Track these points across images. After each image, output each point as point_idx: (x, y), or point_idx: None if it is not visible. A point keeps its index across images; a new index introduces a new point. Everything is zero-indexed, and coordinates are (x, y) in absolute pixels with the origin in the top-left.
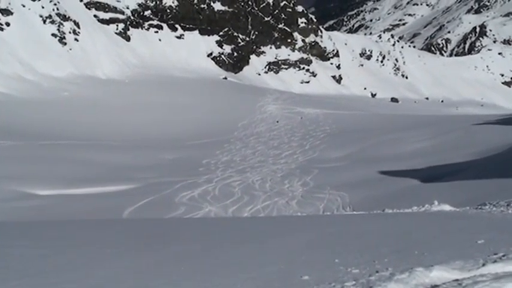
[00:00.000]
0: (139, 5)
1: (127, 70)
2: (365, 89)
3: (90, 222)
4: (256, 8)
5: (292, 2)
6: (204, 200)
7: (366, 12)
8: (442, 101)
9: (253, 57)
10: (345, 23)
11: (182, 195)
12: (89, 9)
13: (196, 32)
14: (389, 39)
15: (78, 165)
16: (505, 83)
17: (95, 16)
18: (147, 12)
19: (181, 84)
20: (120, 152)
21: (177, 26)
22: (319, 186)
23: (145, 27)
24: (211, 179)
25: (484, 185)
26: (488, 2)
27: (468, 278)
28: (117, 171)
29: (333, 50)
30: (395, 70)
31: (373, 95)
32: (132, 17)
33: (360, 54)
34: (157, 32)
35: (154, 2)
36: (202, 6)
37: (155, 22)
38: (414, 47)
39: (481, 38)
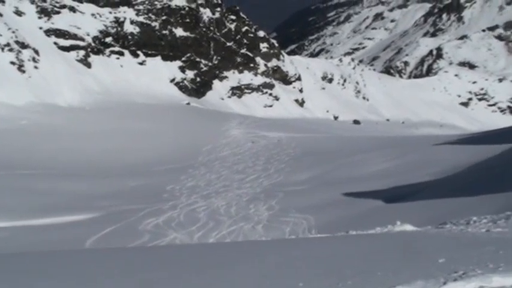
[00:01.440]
0: (100, 31)
1: (88, 97)
2: (327, 111)
3: (50, 254)
4: (218, 34)
5: (254, 27)
6: (169, 227)
7: (326, 36)
8: (402, 122)
9: (216, 82)
10: (306, 47)
11: (146, 223)
12: (49, 36)
13: (159, 58)
14: (349, 62)
15: (37, 195)
16: (462, 103)
17: (54, 43)
18: (108, 39)
19: (144, 110)
20: (81, 180)
21: (138, 52)
22: (285, 210)
23: (107, 54)
24: (176, 205)
25: (445, 204)
26: (444, 25)
27: None
28: (78, 200)
29: (295, 74)
30: (356, 93)
31: (336, 118)
32: (93, 44)
33: (322, 77)
34: (118, 58)
35: (115, 29)
36: (164, 32)
37: (117, 49)
38: (374, 70)
39: (437, 61)
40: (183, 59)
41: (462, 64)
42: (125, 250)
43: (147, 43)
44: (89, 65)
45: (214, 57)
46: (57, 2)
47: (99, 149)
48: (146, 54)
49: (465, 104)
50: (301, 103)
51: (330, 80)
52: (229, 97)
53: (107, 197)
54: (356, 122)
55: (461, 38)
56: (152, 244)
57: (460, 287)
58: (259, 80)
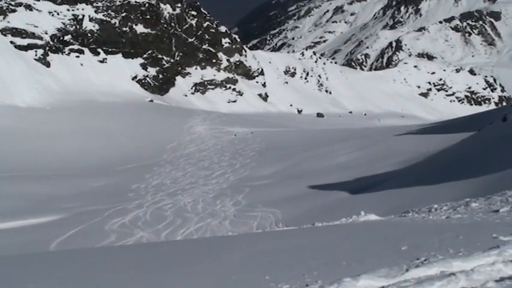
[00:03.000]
0: (58, 29)
1: (48, 97)
2: (291, 105)
3: (11, 258)
4: (180, 30)
5: (215, 22)
6: (136, 226)
7: (287, 30)
8: (365, 114)
9: (178, 78)
10: (268, 41)
11: (112, 223)
12: (5, 35)
13: (120, 55)
14: (311, 56)
15: None
16: (421, 94)
17: (11, 42)
18: (67, 37)
19: (106, 109)
20: (42, 182)
21: (99, 50)
22: (252, 205)
23: (66, 52)
24: (141, 203)
25: (408, 193)
26: (402, 18)
27: (393, 284)
28: (40, 203)
29: (258, 69)
30: (319, 86)
31: (299, 111)
32: (51, 42)
33: (284, 71)
34: (78, 56)
35: (74, 27)
36: (124, 29)
37: (76, 47)
38: (336, 63)
39: (397, 53)
40: (145, 56)
41: (421, 55)
42: (86, 251)
43: (107, 40)
44: (48, 64)
45: (176, 54)
46: (12, 0)
47: (61, 150)
48: (107, 52)
49: (425, 95)
50: (264, 97)
51: (293, 74)
52: (192, 93)
53: (71, 198)
54: (319, 115)
55: (420, 29)
56: (119, 244)
57: (422, 273)
58: (222, 75)
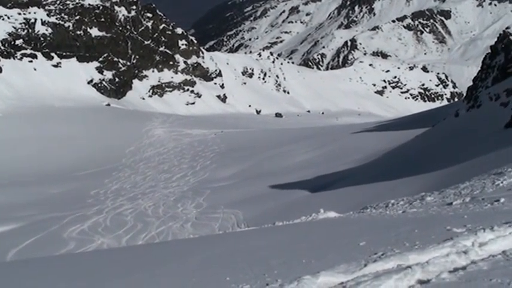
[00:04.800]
0: (9, 34)
1: (0, 103)
2: (250, 106)
3: None
4: (135, 32)
5: (171, 24)
6: (96, 232)
7: (244, 31)
8: (322, 113)
9: (135, 81)
10: (225, 42)
11: (71, 230)
12: None
13: (74, 59)
14: (268, 56)
15: None
16: (377, 92)
17: None
18: (19, 41)
19: (61, 114)
20: None
21: (52, 54)
22: (213, 206)
23: (18, 57)
24: (101, 209)
25: (366, 190)
26: (356, 17)
27: (352, 279)
28: None
29: (216, 70)
30: (277, 86)
31: (258, 112)
32: (2, 47)
33: (242, 72)
34: (31, 61)
35: (26, 31)
36: (78, 32)
37: (28, 51)
38: (293, 63)
39: (352, 52)
40: (100, 59)
41: (375, 54)
42: (43, 260)
43: (61, 44)
44: None
45: (133, 56)
46: None
47: (15, 157)
48: (61, 56)
49: (380, 92)
50: (223, 99)
51: (251, 75)
52: (150, 96)
53: (28, 207)
54: (278, 115)
55: (374, 28)
56: (79, 251)
57: (380, 267)
58: (179, 77)
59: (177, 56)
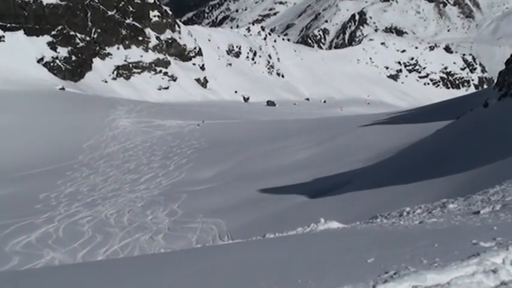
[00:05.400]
0: None
1: None
2: (236, 92)
3: None
4: (97, 0)
5: None
6: (45, 245)
7: (230, 1)
8: (324, 101)
9: (96, 60)
10: (206, 15)
11: (15, 242)
12: None
13: (21, 32)
14: (259, 32)
15: None
16: (390, 76)
17: None
18: None
19: (4, 100)
20: None
21: None
22: (190, 215)
23: None
24: (52, 217)
25: (375, 196)
26: None
27: None
28: None
29: (195, 48)
30: (269, 68)
31: (246, 99)
32: None
33: (227, 51)
34: None
35: None
36: (26, 0)
37: None
38: (289, 40)
39: (361, 27)
40: (53, 32)
41: (389, 30)
42: None
43: (5, 14)
44: None
45: (93, 30)
46: None
47: None
48: (4, 28)
49: (394, 77)
50: (203, 83)
51: (237, 54)
52: (114, 79)
53: None
54: (270, 103)
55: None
56: (24, 268)
57: None
58: (150, 56)
59: (148, 31)
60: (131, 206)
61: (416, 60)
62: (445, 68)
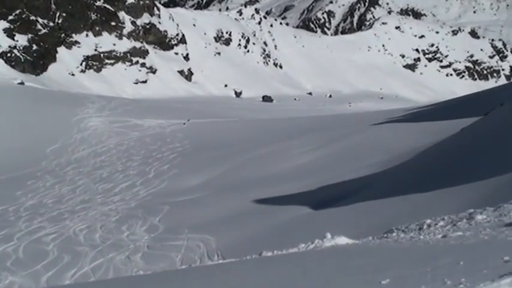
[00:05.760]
0: None
1: None
2: (226, 86)
3: None
4: None
5: None
6: (3, 268)
7: None
8: (329, 96)
9: (62, 50)
10: None
11: None
12: None
13: None
14: (253, 15)
15: None
16: (407, 66)
17: None
18: None
19: None
20: None
21: None
22: (173, 230)
23: None
24: (11, 234)
25: (391, 206)
26: None
27: None
28: None
29: (177, 35)
30: (264, 58)
31: (238, 94)
32: None
33: (215, 38)
34: None
35: None
36: None
37: None
38: (287, 24)
39: (372, 9)
40: (11, 17)
41: (404, 12)
42: None
43: None
44: None
45: (58, 14)
46: None
47: None
48: None
49: (411, 67)
50: (187, 76)
51: (227, 41)
52: (82, 71)
53: None
54: (266, 98)
55: None
56: None
57: None
58: (125, 44)
59: (122, 14)
60: (104, 221)
61: (437, 47)
62: (471, 56)
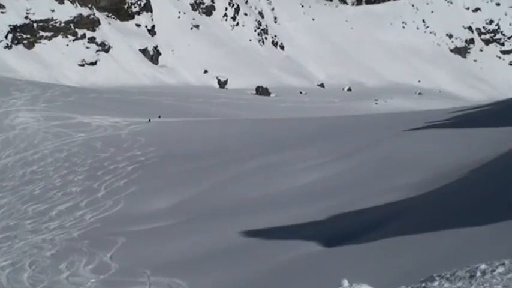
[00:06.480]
0: None
1: None
2: (206, 72)
3: None
4: None
5: None
6: None
7: None
8: (349, 90)
9: None
10: None
11: None
12: None
13: None
14: None
15: None
16: (455, 50)
17: None
18: None
19: None
20: None
21: None
22: (130, 271)
23: None
24: None
25: (430, 243)
26: None
27: None
28: None
29: (139, 0)
30: (259, 34)
31: (223, 84)
32: None
33: (193, 5)
34: None
35: None
36: None
37: None
38: None
39: None
40: None
41: None
42: None
43: None
44: None
45: None
46: None
47: None
48: None
49: (462, 52)
50: (153, 56)
51: (209, 10)
52: (7, 47)
53: None
54: (262, 91)
55: None
56: None
57: None
58: (68, 10)
59: None
60: (35, 256)
61: (497, 24)
62: None
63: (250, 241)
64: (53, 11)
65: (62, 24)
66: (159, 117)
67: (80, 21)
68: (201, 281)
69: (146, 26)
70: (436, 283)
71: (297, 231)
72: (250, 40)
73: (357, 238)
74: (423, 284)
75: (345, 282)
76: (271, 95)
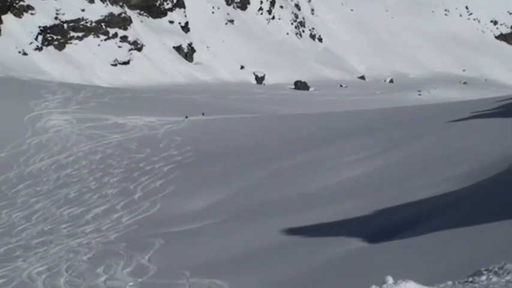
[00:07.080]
0: None
1: None
2: (242, 68)
3: None
4: None
5: None
6: None
7: None
8: (391, 81)
9: (9, 19)
10: None
11: None
12: None
13: None
14: None
15: None
16: (501, 37)
17: None
18: None
19: None
20: None
21: None
22: (169, 273)
23: None
24: None
25: (477, 238)
26: None
27: None
28: None
29: None
30: (297, 27)
31: (260, 80)
32: None
33: (227, 0)
34: None
35: None
36: None
37: None
38: None
39: None
40: None
41: None
42: None
43: None
44: None
45: None
46: None
47: None
48: None
49: (507, 38)
50: (188, 54)
51: (244, 4)
52: (38, 49)
53: None
54: (300, 85)
55: None
56: None
57: None
58: (98, 9)
59: None
60: (72, 260)
61: None
62: None
63: (291, 239)
64: (83, 10)
65: (93, 24)
66: (203, 114)
67: (111, 20)
68: (241, 281)
69: (179, 23)
70: (483, 277)
71: (338, 228)
72: (287, 33)
73: (402, 233)
74: (470, 279)
75: (390, 279)
76: (310, 89)
